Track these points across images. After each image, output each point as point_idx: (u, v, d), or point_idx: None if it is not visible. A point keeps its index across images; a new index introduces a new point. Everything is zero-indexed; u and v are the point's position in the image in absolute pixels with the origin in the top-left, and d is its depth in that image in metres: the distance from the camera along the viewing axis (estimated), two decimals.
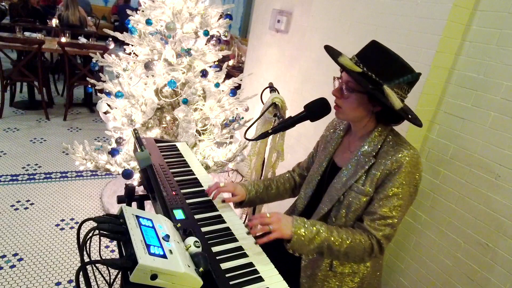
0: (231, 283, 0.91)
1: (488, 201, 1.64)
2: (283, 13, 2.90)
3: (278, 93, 2.14)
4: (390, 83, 1.09)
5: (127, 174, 2.02)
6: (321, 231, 1.13)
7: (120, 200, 1.28)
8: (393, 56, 1.12)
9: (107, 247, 2.38)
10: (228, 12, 2.39)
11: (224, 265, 0.97)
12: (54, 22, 5.30)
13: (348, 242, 1.13)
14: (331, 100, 1.26)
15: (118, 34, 2.25)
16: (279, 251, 1.19)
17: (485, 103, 1.65)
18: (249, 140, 1.46)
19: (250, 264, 1.00)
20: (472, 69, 1.70)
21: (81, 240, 0.74)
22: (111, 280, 0.84)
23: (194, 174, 1.43)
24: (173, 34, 2.15)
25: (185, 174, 1.42)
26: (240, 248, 1.07)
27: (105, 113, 2.33)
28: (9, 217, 2.48)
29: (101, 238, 0.76)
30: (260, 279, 0.96)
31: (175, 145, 1.68)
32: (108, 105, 2.31)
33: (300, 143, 2.66)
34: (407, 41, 1.80)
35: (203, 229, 1.10)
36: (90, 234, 0.74)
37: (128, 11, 2.37)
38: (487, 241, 1.65)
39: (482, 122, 1.66)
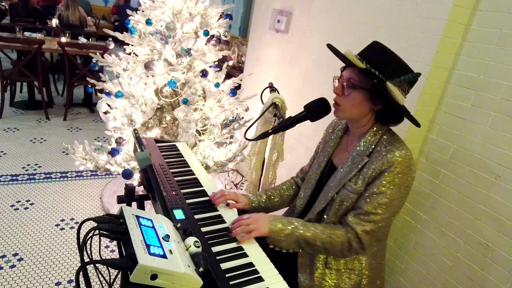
0: (231, 283, 0.91)
1: (488, 201, 1.64)
2: (283, 13, 2.90)
3: (278, 93, 2.14)
4: (392, 81, 1.10)
5: (127, 174, 2.02)
6: (297, 226, 1.18)
7: (120, 200, 1.28)
8: (395, 56, 1.14)
9: (107, 247, 2.38)
10: (228, 12, 2.39)
11: (224, 265, 0.97)
12: (54, 22, 5.30)
13: (324, 236, 1.16)
14: (331, 100, 1.26)
15: (118, 34, 2.25)
16: (276, 250, 1.20)
17: (485, 103, 1.65)
18: (249, 140, 1.47)
19: (250, 264, 1.00)
20: (472, 69, 1.70)
21: (81, 240, 0.74)
22: (111, 280, 0.84)
23: (194, 174, 1.43)
24: (173, 34, 2.15)
25: (185, 174, 1.42)
26: (240, 248, 1.07)
27: (105, 113, 2.33)
28: (9, 217, 2.48)
29: (101, 238, 0.76)
30: (260, 279, 0.96)
31: (175, 145, 1.68)
32: (108, 105, 2.31)
33: (300, 143, 2.67)
34: (407, 41, 1.80)
35: (203, 229, 1.11)
36: (90, 234, 0.74)
37: (128, 11, 2.37)
38: (487, 241, 1.65)
39: (482, 122, 1.66)
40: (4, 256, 2.14)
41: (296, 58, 2.79)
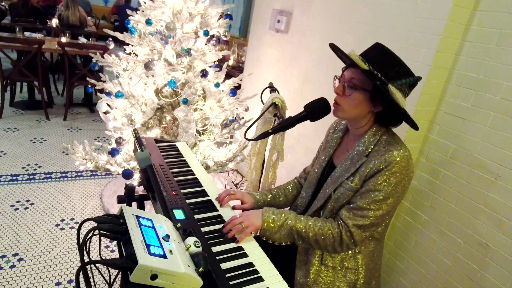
0: (231, 283, 0.91)
1: (488, 201, 1.64)
2: (283, 13, 2.90)
3: (278, 93, 2.14)
4: (394, 84, 1.11)
5: (127, 174, 2.02)
6: (289, 218, 1.20)
7: (120, 200, 1.28)
8: (397, 59, 1.15)
9: (107, 247, 2.38)
10: (228, 12, 2.39)
11: (224, 265, 0.97)
12: (54, 22, 5.30)
13: (315, 229, 1.18)
14: (331, 100, 1.26)
15: (118, 34, 2.25)
16: (274, 248, 1.21)
17: (485, 103, 1.65)
18: (249, 140, 1.47)
19: (250, 264, 1.00)
20: (472, 69, 1.70)
21: (81, 240, 0.74)
22: (111, 280, 0.84)
23: (194, 174, 1.43)
24: (173, 34, 2.15)
25: (185, 174, 1.42)
26: (240, 248, 1.07)
27: (105, 113, 2.33)
28: (9, 217, 2.48)
29: (101, 238, 0.76)
30: (260, 279, 0.96)
31: (175, 145, 1.68)
32: (108, 105, 2.31)
33: (300, 143, 2.67)
34: (407, 41, 1.80)
35: (203, 229, 1.11)
36: (90, 234, 0.74)
37: (128, 11, 2.37)
38: (487, 241, 1.65)
39: (482, 122, 1.66)
40: (4, 256, 2.14)
41: (296, 58, 2.79)
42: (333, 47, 1.26)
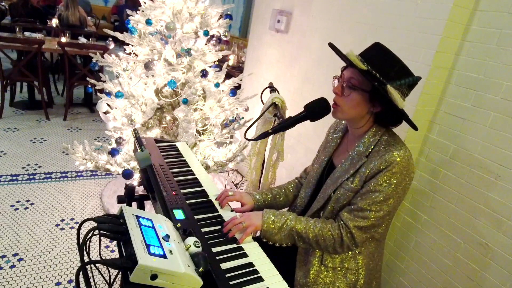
0: (231, 283, 0.91)
1: (488, 201, 1.64)
2: (283, 13, 2.90)
3: (278, 93, 2.14)
4: (393, 84, 1.10)
5: (127, 174, 2.02)
6: (289, 220, 1.20)
7: (120, 200, 1.28)
8: (396, 59, 1.14)
9: (107, 247, 2.38)
10: (228, 12, 2.39)
11: (224, 265, 0.97)
12: (54, 22, 5.30)
13: (315, 230, 1.18)
14: (331, 100, 1.26)
15: (118, 34, 2.25)
16: (274, 248, 1.21)
17: (485, 103, 1.65)
18: (249, 140, 1.47)
19: (250, 264, 1.00)
20: (472, 69, 1.70)
21: (81, 240, 0.74)
22: (111, 280, 0.84)
23: (194, 174, 1.43)
24: (173, 34, 2.15)
25: (185, 174, 1.42)
26: (240, 248, 1.07)
27: (105, 113, 2.33)
28: (9, 217, 2.48)
29: (101, 238, 0.76)
30: (260, 279, 0.96)
31: (175, 145, 1.68)
32: (108, 105, 2.31)
33: (300, 143, 2.67)
34: (407, 41, 1.80)
35: (203, 229, 1.11)
36: (90, 234, 0.74)
37: (128, 11, 2.37)
38: (487, 241, 1.65)
39: (482, 122, 1.66)
40: (4, 256, 2.14)
41: (296, 58, 2.79)
42: (332, 47, 1.26)
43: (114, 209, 2.69)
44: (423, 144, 1.92)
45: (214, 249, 1.03)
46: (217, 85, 2.32)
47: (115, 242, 2.34)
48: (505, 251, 1.59)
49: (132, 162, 2.28)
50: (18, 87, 4.90)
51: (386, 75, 1.11)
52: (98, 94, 2.33)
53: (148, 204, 1.41)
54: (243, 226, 1.12)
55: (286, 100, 2.11)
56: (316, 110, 1.31)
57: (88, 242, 0.74)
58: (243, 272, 0.97)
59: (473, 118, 1.69)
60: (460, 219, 1.76)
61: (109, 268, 0.74)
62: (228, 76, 2.53)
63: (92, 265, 0.72)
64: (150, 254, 0.71)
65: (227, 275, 0.93)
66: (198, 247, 0.84)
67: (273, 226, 1.18)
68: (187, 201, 1.22)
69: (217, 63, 2.43)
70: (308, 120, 1.31)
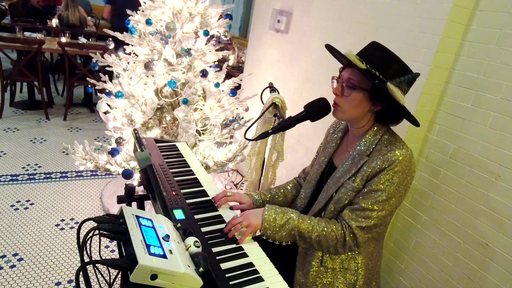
0: (231, 283, 0.91)
1: (488, 201, 1.64)
2: (283, 13, 2.90)
3: (278, 93, 2.14)
4: (392, 82, 1.10)
5: (127, 174, 2.02)
6: (292, 218, 1.18)
7: (120, 200, 1.28)
8: (394, 56, 1.14)
9: (107, 247, 2.38)
10: (228, 12, 2.39)
11: (224, 265, 0.97)
12: (54, 22, 5.30)
13: (319, 230, 1.17)
14: (331, 100, 1.26)
15: (118, 34, 2.25)
16: (274, 248, 1.21)
17: (485, 103, 1.65)
18: (249, 140, 1.46)
19: (250, 264, 1.00)
20: (472, 69, 1.70)
21: (81, 240, 0.74)
22: (111, 280, 0.84)
23: (194, 174, 1.43)
24: (173, 34, 2.15)
25: (185, 174, 1.42)
26: (240, 248, 1.07)
27: (105, 113, 2.33)
28: (9, 217, 2.48)
29: (101, 238, 0.76)
30: (260, 279, 0.96)
31: (175, 145, 1.68)
32: (108, 105, 2.31)
33: (300, 143, 2.67)
34: (407, 41, 1.80)
35: (203, 229, 1.11)
36: (90, 234, 0.74)
37: (128, 11, 2.37)
38: (487, 241, 1.65)
39: (482, 122, 1.66)
40: (4, 256, 2.14)
41: (296, 58, 2.79)
42: (329, 48, 1.26)
43: (114, 209, 2.69)
44: (423, 144, 1.91)
45: (214, 249, 1.03)
46: (217, 85, 2.32)
47: (115, 242, 2.34)
48: (505, 251, 1.59)
49: (132, 162, 2.28)
50: (18, 87, 4.90)
51: (385, 73, 1.11)
52: (98, 94, 2.33)
53: (148, 204, 1.41)
54: (242, 227, 1.12)
55: (286, 100, 2.11)
56: (316, 110, 1.31)
57: (88, 242, 0.74)
58: (243, 272, 0.97)
59: (473, 118, 1.69)
60: (460, 219, 1.76)
61: (109, 268, 0.74)
62: (228, 76, 2.53)
63: (92, 265, 0.72)
64: (150, 254, 0.71)
65: (227, 275, 0.93)
66: (198, 247, 0.84)
67: (274, 224, 1.17)
68: (187, 201, 1.22)
69: (217, 63, 2.43)
70: (308, 120, 1.31)
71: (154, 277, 0.70)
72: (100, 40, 5.49)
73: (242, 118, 2.51)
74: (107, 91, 2.29)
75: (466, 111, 1.72)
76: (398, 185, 1.13)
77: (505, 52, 1.57)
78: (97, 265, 0.72)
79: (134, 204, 1.30)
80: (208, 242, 1.05)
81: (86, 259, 0.72)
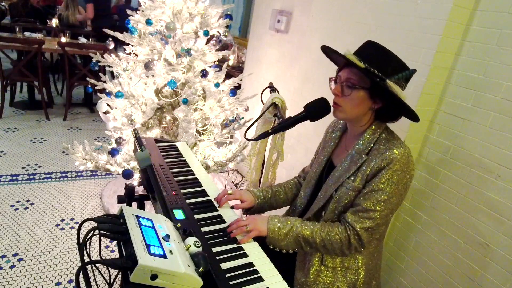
0: (231, 283, 0.91)
1: (488, 201, 1.64)
2: (283, 13, 2.90)
3: (278, 93, 2.14)
4: (391, 79, 1.11)
5: (127, 174, 2.02)
6: (295, 225, 1.19)
7: (120, 200, 1.28)
8: (390, 54, 1.15)
9: (107, 247, 2.38)
10: (228, 12, 2.39)
11: (224, 265, 0.97)
12: (54, 22, 5.30)
13: (322, 234, 1.17)
14: (331, 100, 1.26)
15: (118, 34, 2.25)
16: (276, 250, 1.21)
17: (485, 103, 1.65)
18: (249, 140, 1.46)
19: (250, 264, 1.00)
20: (472, 69, 1.70)
21: (81, 240, 0.74)
22: (111, 280, 0.84)
23: (194, 174, 1.43)
24: (173, 34, 2.15)
25: (185, 174, 1.42)
26: (240, 248, 1.07)
27: (105, 113, 2.33)
28: (9, 217, 2.48)
29: (101, 238, 0.76)
30: (260, 279, 0.96)
31: (175, 145, 1.68)
32: (108, 105, 2.31)
33: (300, 143, 2.67)
34: (407, 41, 1.80)
35: (203, 229, 1.11)
36: (90, 234, 0.74)
37: (128, 11, 2.37)
38: (487, 241, 1.65)
39: (482, 122, 1.66)
40: (4, 256, 2.14)
41: (296, 58, 2.79)
42: (326, 49, 1.26)
43: (114, 209, 2.69)
44: (423, 144, 1.91)
45: (214, 249, 1.03)
46: (217, 85, 2.32)
47: (115, 242, 2.34)
48: (505, 251, 1.59)
49: (132, 162, 2.28)
50: (18, 87, 4.90)
51: (384, 71, 1.12)
52: (98, 94, 2.33)
53: (148, 204, 1.41)
54: (247, 229, 1.12)
55: (286, 100, 2.11)
56: (316, 110, 1.31)
57: (88, 242, 0.74)
58: (243, 272, 0.97)
59: (473, 118, 1.69)
60: (460, 219, 1.76)
61: (109, 268, 0.74)
62: (228, 76, 2.53)
63: (92, 265, 0.72)
64: (150, 254, 0.71)
65: (227, 275, 0.93)
66: (198, 247, 0.84)
67: (279, 233, 1.18)
68: (187, 201, 1.22)
69: (217, 63, 2.43)
70: (308, 120, 1.31)
71: (154, 277, 0.70)
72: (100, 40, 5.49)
73: (242, 118, 2.51)
74: (107, 91, 2.29)
75: (466, 111, 1.72)
76: (398, 184, 1.13)
77: (505, 52, 1.57)
78: (97, 265, 0.72)
79: (134, 204, 1.30)
80: (208, 242, 1.05)
81: (86, 259, 0.72)
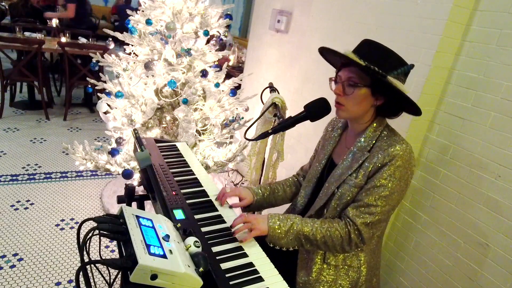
0: (231, 283, 0.91)
1: (488, 201, 1.64)
2: (283, 13, 2.90)
3: (278, 93, 2.14)
4: (391, 75, 1.12)
5: (127, 174, 2.02)
6: (295, 222, 1.19)
7: (120, 200, 1.28)
8: (388, 50, 1.16)
9: (107, 247, 2.38)
10: (228, 12, 2.39)
11: (224, 265, 0.97)
12: (54, 22, 5.30)
13: (323, 231, 1.17)
14: (331, 100, 1.26)
15: (118, 34, 2.25)
16: (274, 248, 1.21)
17: (485, 103, 1.65)
18: (249, 140, 1.46)
19: (250, 264, 1.01)
20: (472, 69, 1.70)
21: (81, 240, 0.74)
22: (111, 280, 0.84)
23: (194, 174, 1.43)
24: (173, 34, 2.15)
25: (185, 174, 1.42)
26: (240, 248, 1.07)
27: (105, 113, 2.33)
28: (9, 217, 2.48)
29: (101, 238, 0.76)
30: (260, 279, 0.96)
31: (175, 145, 1.68)
32: (108, 105, 2.31)
33: (300, 143, 2.67)
34: (407, 41, 1.80)
35: (203, 229, 1.11)
36: (90, 234, 0.74)
37: (128, 11, 2.37)
38: (487, 241, 1.65)
39: (482, 122, 1.66)
40: (4, 256, 2.14)
41: (296, 58, 2.79)
42: (323, 50, 1.26)
43: (114, 209, 2.69)
44: (423, 144, 1.91)
45: (214, 249, 1.03)
46: (217, 85, 2.32)
47: (115, 242, 2.34)
48: (505, 251, 1.59)
49: (132, 162, 2.28)
50: (18, 87, 4.90)
51: (383, 68, 1.12)
52: (98, 94, 2.33)
53: (148, 204, 1.41)
54: (251, 227, 1.12)
55: (286, 100, 2.11)
56: (316, 110, 1.31)
57: (88, 242, 0.74)
58: (243, 272, 0.97)
59: (473, 118, 1.69)
60: (460, 219, 1.76)
61: (109, 268, 0.74)
62: (228, 76, 2.53)
63: (92, 265, 0.72)
64: (150, 254, 0.71)
65: (227, 275, 0.93)
66: (198, 247, 0.84)
67: (279, 231, 1.18)
68: (187, 201, 1.22)
69: (217, 63, 2.43)
70: (308, 120, 1.31)
71: (154, 277, 0.70)
72: (100, 40, 5.50)
73: (242, 118, 2.51)
74: (107, 91, 2.29)
75: (466, 111, 1.72)
76: (399, 180, 1.14)
77: (505, 52, 1.57)
78: (97, 265, 0.72)
79: (134, 204, 1.30)
80: (208, 242, 1.05)
81: (86, 259, 0.72)
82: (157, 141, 1.66)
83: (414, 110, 1.18)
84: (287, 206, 1.55)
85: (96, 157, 2.30)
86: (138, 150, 1.14)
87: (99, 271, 0.82)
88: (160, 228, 0.83)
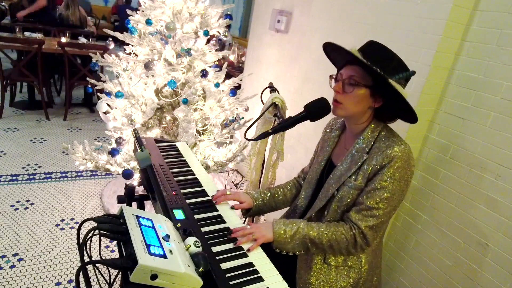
0: (231, 283, 0.91)
1: (488, 201, 1.64)
2: (283, 13, 2.90)
3: (278, 93, 2.14)
4: (392, 78, 1.12)
5: (127, 174, 2.02)
6: (301, 227, 1.20)
7: (120, 200, 1.28)
8: (392, 54, 1.16)
9: (107, 247, 2.38)
10: (228, 12, 2.39)
11: (224, 265, 0.97)
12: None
13: (328, 234, 1.18)
14: (331, 100, 1.26)
15: (118, 34, 2.25)
16: (282, 253, 1.21)
17: (485, 103, 1.65)
18: (249, 140, 1.46)
19: (250, 264, 1.01)
20: (472, 69, 1.70)
21: (81, 240, 0.74)
22: (111, 280, 0.84)
23: (194, 174, 1.43)
24: (173, 34, 2.15)
25: (185, 174, 1.42)
26: (240, 248, 1.07)
27: (105, 113, 2.33)
28: (9, 217, 2.48)
29: (101, 238, 0.76)
30: (260, 279, 0.96)
31: (175, 145, 1.68)
32: (108, 105, 2.31)
33: (300, 143, 2.67)
34: (407, 41, 1.80)
35: (203, 229, 1.11)
36: (90, 234, 0.74)
37: (128, 11, 2.37)
38: (487, 241, 1.65)
39: (482, 122, 1.66)
40: (4, 256, 2.14)
41: (296, 58, 2.79)
42: (328, 46, 1.25)
43: (114, 209, 2.69)
44: (423, 144, 1.91)
45: (214, 249, 1.03)
46: (217, 85, 2.32)
47: (115, 242, 2.34)
48: (505, 251, 1.59)
49: (132, 162, 2.28)
50: (18, 87, 4.90)
51: (385, 70, 1.12)
52: (98, 94, 2.33)
53: (148, 204, 1.41)
54: (253, 238, 1.11)
55: (286, 100, 2.11)
56: (316, 110, 1.30)
57: (88, 242, 0.74)
58: (243, 272, 0.97)
59: (473, 118, 1.69)
60: (460, 219, 1.76)
61: (109, 268, 0.74)
62: (228, 76, 2.53)
63: (92, 265, 0.72)
64: (150, 254, 0.71)
65: (227, 275, 0.93)
66: (198, 247, 0.84)
67: (285, 236, 1.18)
68: (187, 201, 1.22)
69: (217, 63, 2.43)
70: (308, 120, 1.31)
71: (154, 277, 0.70)
72: (100, 40, 5.50)
73: (242, 118, 2.51)
74: (107, 91, 2.29)
75: (466, 111, 1.72)
76: (399, 181, 1.14)
77: (505, 52, 1.57)
78: (97, 265, 0.72)
79: (134, 204, 1.30)
80: (208, 242, 1.05)
81: (86, 259, 0.72)
82: (157, 141, 1.66)
83: (411, 117, 1.18)
84: (287, 207, 1.55)
85: (96, 157, 2.30)
86: (138, 150, 1.14)
87: (99, 271, 0.82)
88: (160, 228, 0.83)
